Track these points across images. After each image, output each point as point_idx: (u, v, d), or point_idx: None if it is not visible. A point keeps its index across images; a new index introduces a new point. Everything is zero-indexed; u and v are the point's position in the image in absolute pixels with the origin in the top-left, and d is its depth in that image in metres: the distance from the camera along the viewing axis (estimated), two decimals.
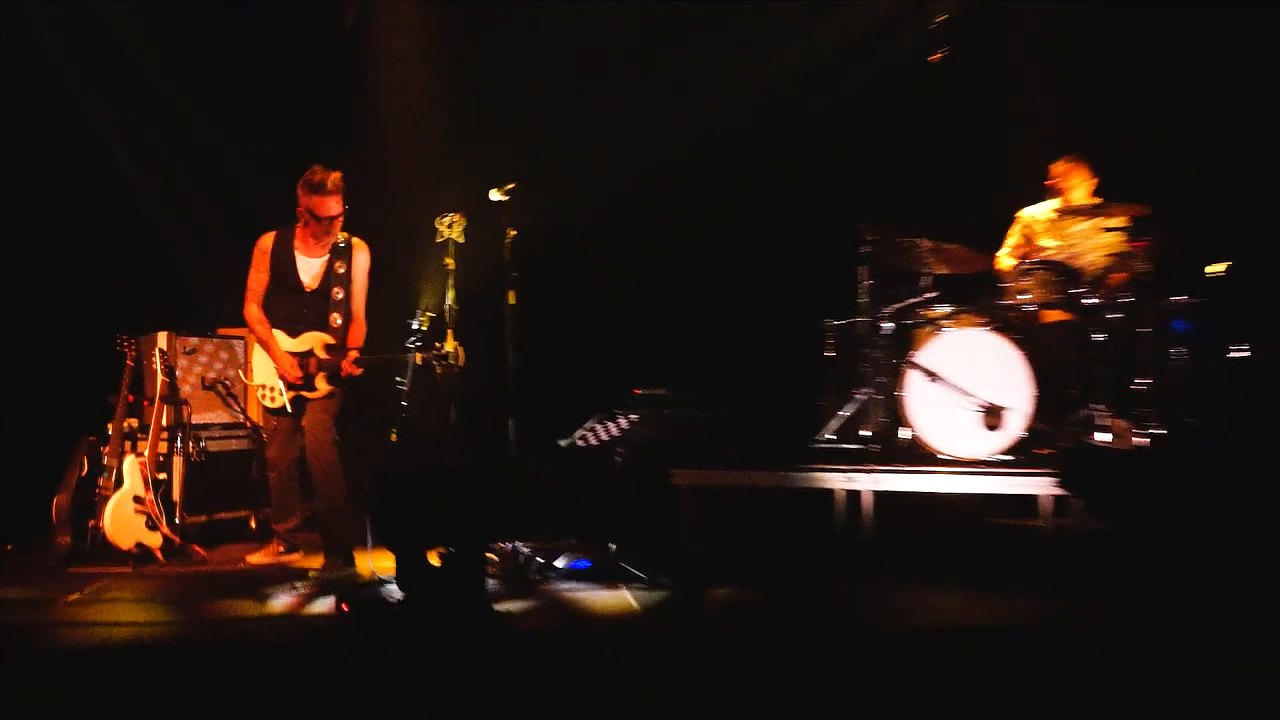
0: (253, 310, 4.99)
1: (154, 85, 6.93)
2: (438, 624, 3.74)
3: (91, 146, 6.72)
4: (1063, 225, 5.76)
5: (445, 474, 4.37)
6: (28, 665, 3.47)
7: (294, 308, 4.97)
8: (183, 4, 6.78)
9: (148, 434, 5.39)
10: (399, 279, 5.66)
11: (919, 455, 5.10)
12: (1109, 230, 5.50)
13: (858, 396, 5.52)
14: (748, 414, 5.96)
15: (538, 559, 4.67)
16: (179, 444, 5.57)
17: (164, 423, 5.52)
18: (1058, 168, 5.82)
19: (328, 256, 4.99)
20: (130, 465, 5.18)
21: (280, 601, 4.33)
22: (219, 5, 6.77)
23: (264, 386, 5.01)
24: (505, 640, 3.68)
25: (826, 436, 5.52)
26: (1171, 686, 3.18)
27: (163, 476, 5.39)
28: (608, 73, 6.96)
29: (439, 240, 4.87)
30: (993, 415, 5.01)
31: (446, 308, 4.87)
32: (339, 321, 4.96)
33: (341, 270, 4.98)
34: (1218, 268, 5.31)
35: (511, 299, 4.89)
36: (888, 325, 5.40)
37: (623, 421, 5.30)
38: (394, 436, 4.93)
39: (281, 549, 5.21)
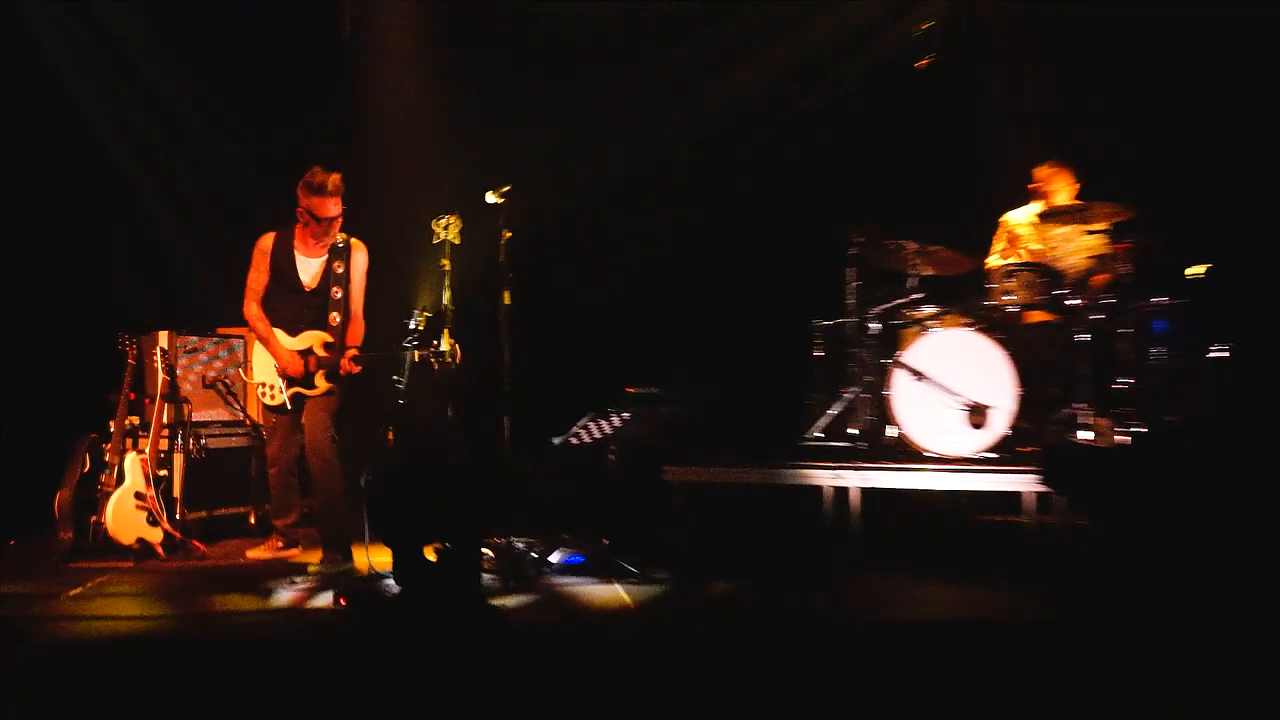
0: (252, 309, 5.03)
1: (154, 85, 6.90)
2: (434, 618, 3.78)
3: (91, 146, 6.70)
4: (1045, 228, 5.82)
5: (441, 470, 4.43)
6: (30, 659, 3.49)
7: (293, 307, 5.01)
8: (183, 4, 6.76)
9: (149, 431, 5.44)
10: (397, 279, 5.71)
11: (905, 453, 5.16)
12: (1091, 233, 5.58)
13: (845, 395, 5.58)
14: (738, 412, 6.03)
15: (532, 554, 4.70)
16: (180, 441, 5.60)
17: (165, 420, 5.56)
18: (1041, 172, 5.89)
19: (327, 256, 5.03)
20: (132, 462, 5.23)
21: (279, 596, 4.35)
22: (219, 6, 6.75)
23: (263, 384, 5.06)
24: (500, 634, 3.71)
25: (815, 435, 5.58)
26: (1152, 681, 3.24)
27: (164, 473, 5.44)
28: (600, 74, 6.98)
29: (436, 241, 4.89)
30: (977, 414, 5.08)
31: (443, 307, 4.90)
32: (338, 320, 4.99)
33: (340, 270, 5.02)
34: (1198, 270, 5.36)
35: (507, 299, 4.92)
36: (875, 325, 5.45)
37: (615, 419, 5.33)
38: (391, 434, 4.98)
39: (280, 544, 5.24)
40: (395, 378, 4.83)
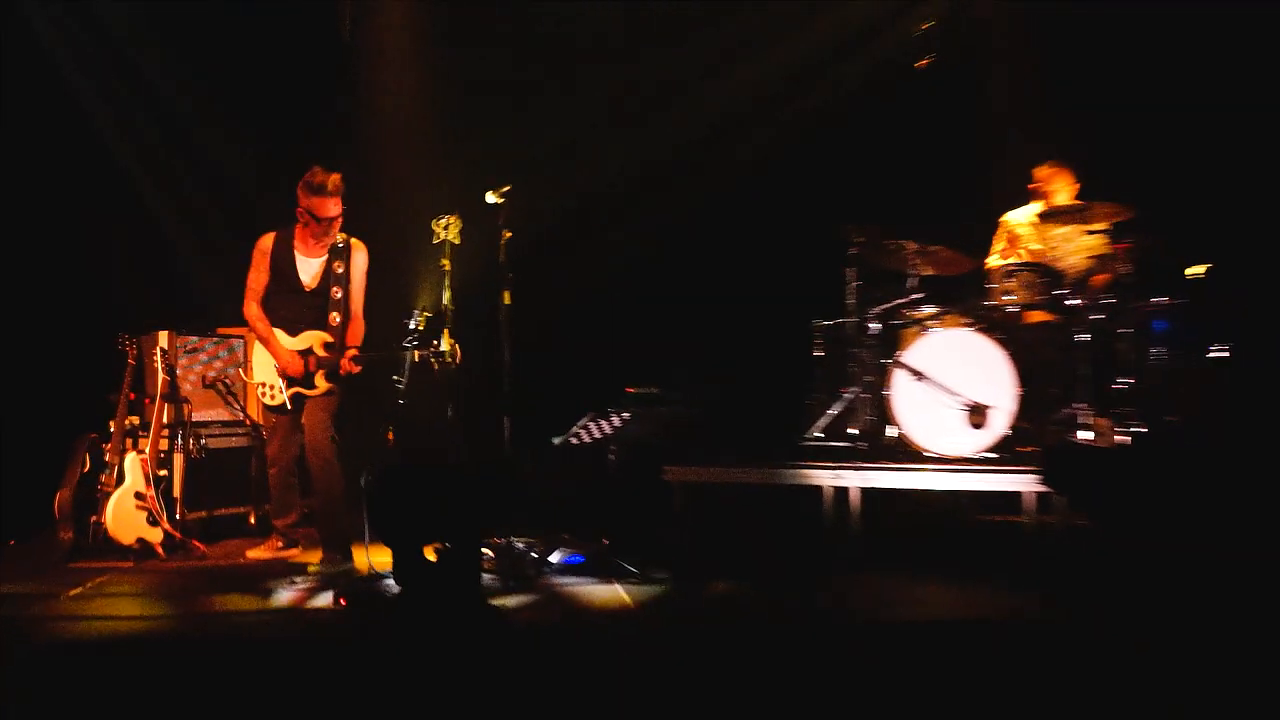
0: (252, 308, 5.03)
1: (154, 85, 6.91)
2: (434, 618, 3.78)
3: (91, 147, 6.71)
4: (1045, 228, 5.83)
5: (441, 470, 4.43)
6: (30, 659, 3.48)
7: (293, 307, 5.02)
8: (183, 4, 6.77)
9: (149, 431, 5.44)
10: (397, 279, 5.72)
11: (905, 453, 5.17)
12: (1091, 233, 5.58)
13: (845, 395, 5.58)
14: (738, 412, 6.04)
15: (532, 554, 4.70)
16: (180, 441, 5.60)
17: (165, 420, 5.57)
18: (1041, 172, 5.89)
19: (327, 256, 5.03)
20: (132, 462, 5.23)
21: (279, 596, 4.36)
22: (219, 6, 6.76)
23: (263, 384, 5.06)
24: (500, 634, 3.71)
25: (815, 435, 5.59)
26: (1152, 681, 3.24)
27: (164, 473, 5.44)
28: (600, 74, 6.99)
29: (436, 241, 4.89)
30: (977, 414, 5.08)
31: (443, 307, 4.91)
32: (338, 320, 5.00)
33: (340, 270, 5.02)
34: (1197, 270, 5.37)
35: (507, 299, 4.92)
36: (875, 325, 5.45)
37: (615, 420, 5.34)
38: (391, 434, 4.99)
39: (280, 544, 5.24)
40: (395, 378, 4.83)
